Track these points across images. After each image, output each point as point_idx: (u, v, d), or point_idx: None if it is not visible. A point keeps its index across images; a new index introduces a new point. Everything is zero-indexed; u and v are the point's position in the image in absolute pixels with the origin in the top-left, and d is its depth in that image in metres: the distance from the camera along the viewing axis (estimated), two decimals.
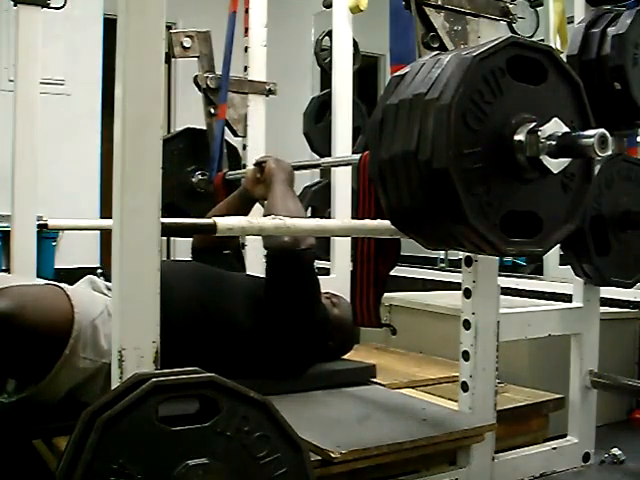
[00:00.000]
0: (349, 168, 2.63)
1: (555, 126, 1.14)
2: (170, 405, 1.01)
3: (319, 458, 1.37)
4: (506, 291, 2.22)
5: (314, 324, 1.85)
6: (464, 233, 1.14)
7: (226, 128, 2.65)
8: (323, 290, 2.02)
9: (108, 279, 1.61)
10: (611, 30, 1.74)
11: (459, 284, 1.65)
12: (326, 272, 2.61)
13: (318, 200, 3.00)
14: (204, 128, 2.70)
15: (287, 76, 4.28)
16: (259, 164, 2.04)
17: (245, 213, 2.03)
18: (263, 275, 1.88)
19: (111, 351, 1.48)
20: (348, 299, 1.89)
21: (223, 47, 2.56)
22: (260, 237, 2.56)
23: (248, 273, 2.28)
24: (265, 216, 1.48)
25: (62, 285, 1.59)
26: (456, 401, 1.70)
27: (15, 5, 2.35)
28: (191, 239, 2.21)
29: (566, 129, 1.14)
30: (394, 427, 1.56)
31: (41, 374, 1.47)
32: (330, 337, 1.98)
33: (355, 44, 2.81)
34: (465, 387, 1.63)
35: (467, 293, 1.63)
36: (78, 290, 1.60)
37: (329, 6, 2.79)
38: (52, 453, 1.49)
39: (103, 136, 4.61)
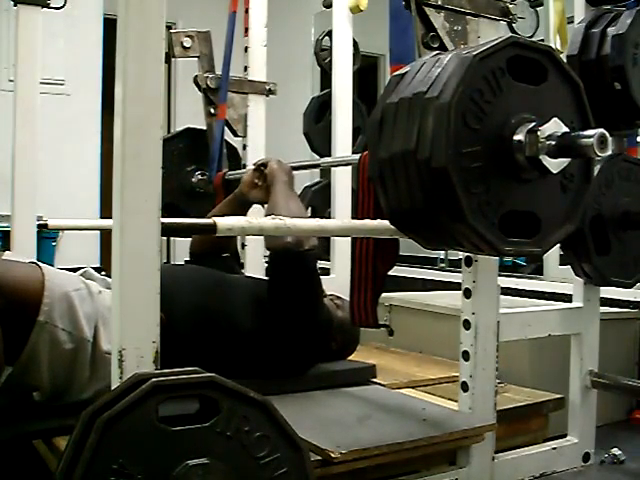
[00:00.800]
0: (349, 168, 2.63)
1: (555, 126, 1.14)
2: (170, 405, 1.01)
3: (319, 458, 1.37)
4: (506, 291, 2.22)
5: (316, 325, 1.85)
6: (463, 232, 1.14)
7: (226, 128, 2.65)
8: (327, 292, 2.03)
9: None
10: (611, 30, 1.73)
11: (459, 284, 1.65)
12: (326, 272, 2.61)
13: (318, 200, 3.00)
14: (204, 128, 2.70)
15: (287, 76, 4.28)
16: (258, 167, 2.03)
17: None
18: (263, 275, 1.88)
19: (91, 329, 1.50)
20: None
21: (223, 47, 2.56)
22: (259, 237, 2.58)
23: (248, 274, 2.28)
24: (267, 216, 1.48)
25: (36, 261, 1.59)
26: (456, 401, 1.70)
27: (15, 5, 2.35)
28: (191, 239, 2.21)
29: (566, 129, 1.14)
30: (394, 427, 1.56)
31: (20, 344, 1.46)
32: (332, 339, 1.98)
33: (355, 44, 2.81)
34: (465, 387, 1.64)
35: (467, 293, 1.63)
36: (53, 268, 1.60)
37: (329, 6, 2.79)
38: (52, 453, 1.49)
39: (103, 136, 4.61)
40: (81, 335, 1.51)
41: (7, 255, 1.62)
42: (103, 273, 1.78)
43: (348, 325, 1.94)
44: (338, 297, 2.05)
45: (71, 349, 1.51)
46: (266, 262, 2.00)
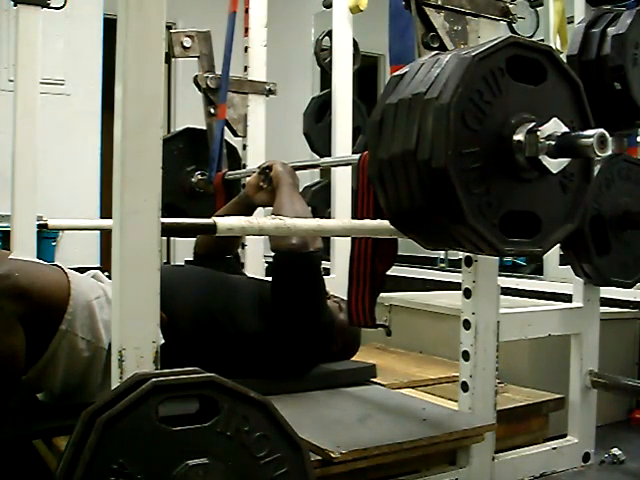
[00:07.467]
0: (349, 168, 2.63)
1: (554, 126, 1.14)
2: (170, 405, 1.01)
3: (319, 458, 1.38)
4: (506, 291, 2.22)
5: (318, 327, 1.85)
6: (463, 233, 1.14)
7: (226, 128, 2.65)
8: (332, 294, 2.03)
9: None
10: (611, 30, 1.74)
11: (459, 284, 1.65)
12: (326, 272, 2.61)
13: (318, 200, 3.00)
14: (204, 128, 2.70)
15: (287, 76, 4.28)
16: (263, 171, 2.03)
17: None
18: (263, 276, 1.88)
19: (109, 337, 1.51)
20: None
21: (223, 47, 2.56)
22: (259, 237, 2.58)
23: (251, 276, 2.27)
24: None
25: (61, 265, 1.59)
26: (456, 401, 1.70)
27: (15, 5, 2.35)
28: (191, 239, 2.20)
29: (565, 129, 1.14)
30: (394, 427, 1.56)
31: (40, 351, 1.47)
32: (333, 341, 1.98)
33: (355, 44, 2.81)
34: (465, 387, 1.64)
35: (467, 293, 1.63)
36: (76, 273, 1.61)
37: (329, 6, 2.80)
38: (52, 453, 1.49)
39: (103, 136, 4.61)
40: (99, 344, 1.52)
41: (14, 257, 1.61)
42: (106, 274, 1.78)
43: (350, 327, 1.94)
44: (343, 300, 2.05)
45: (88, 357, 1.51)
46: (269, 263, 1.99)
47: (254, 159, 2.60)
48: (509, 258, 3.56)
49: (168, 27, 3.32)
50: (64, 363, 1.49)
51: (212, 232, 1.19)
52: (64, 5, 2.48)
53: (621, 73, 1.70)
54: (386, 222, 1.29)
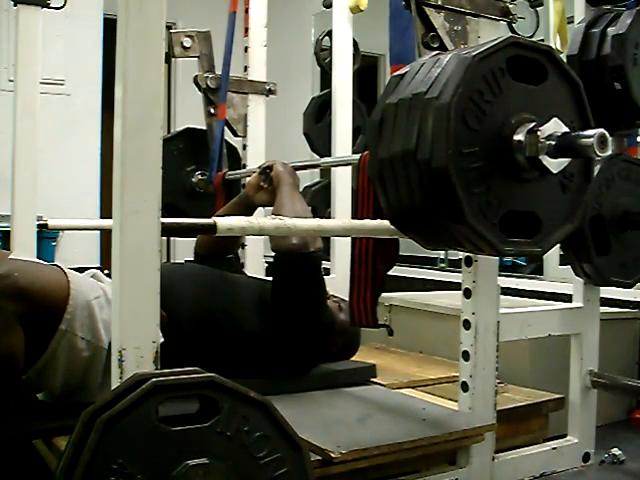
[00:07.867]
0: (349, 168, 2.63)
1: (555, 126, 1.14)
2: (170, 405, 1.01)
3: (319, 458, 1.38)
4: (506, 291, 2.22)
5: (318, 327, 1.85)
6: (463, 233, 1.14)
7: (226, 128, 2.65)
8: (332, 294, 2.02)
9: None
10: (611, 30, 1.74)
11: (459, 284, 1.65)
12: (326, 272, 2.60)
13: (318, 200, 3.00)
14: (204, 128, 2.70)
15: (287, 76, 4.28)
16: (264, 170, 2.03)
17: None
18: (263, 276, 1.87)
19: (108, 337, 1.51)
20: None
21: (223, 47, 2.56)
22: (260, 237, 2.58)
23: (252, 275, 2.27)
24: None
25: (60, 265, 1.60)
26: (456, 401, 1.70)
27: (15, 5, 2.35)
28: (192, 239, 2.20)
29: (566, 129, 1.14)
30: (394, 427, 1.56)
31: (39, 350, 1.47)
32: (333, 341, 1.97)
33: (355, 44, 2.81)
34: (465, 387, 1.64)
35: (467, 293, 1.63)
36: (76, 273, 1.61)
37: (329, 6, 2.80)
38: (52, 453, 1.49)
39: (103, 136, 4.61)
40: (98, 344, 1.52)
41: (14, 257, 1.61)
42: (106, 272, 1.78)
43: (350, 328, 1.94)
44: (343, 300, 2.05)
45: (87, 356, 1.52)
46: (269, 263, 1.99)
47: (254, 159, 2.60)
48: (509, 258, 3.56)
49: (168, 27, 3.32)
50: (64, 363, 1.49)
51: (212, 232, 1.19)
52: (64, 5, 2.48)
53: (621, 73, 1.70)
54: (386, 222, 1.29)
